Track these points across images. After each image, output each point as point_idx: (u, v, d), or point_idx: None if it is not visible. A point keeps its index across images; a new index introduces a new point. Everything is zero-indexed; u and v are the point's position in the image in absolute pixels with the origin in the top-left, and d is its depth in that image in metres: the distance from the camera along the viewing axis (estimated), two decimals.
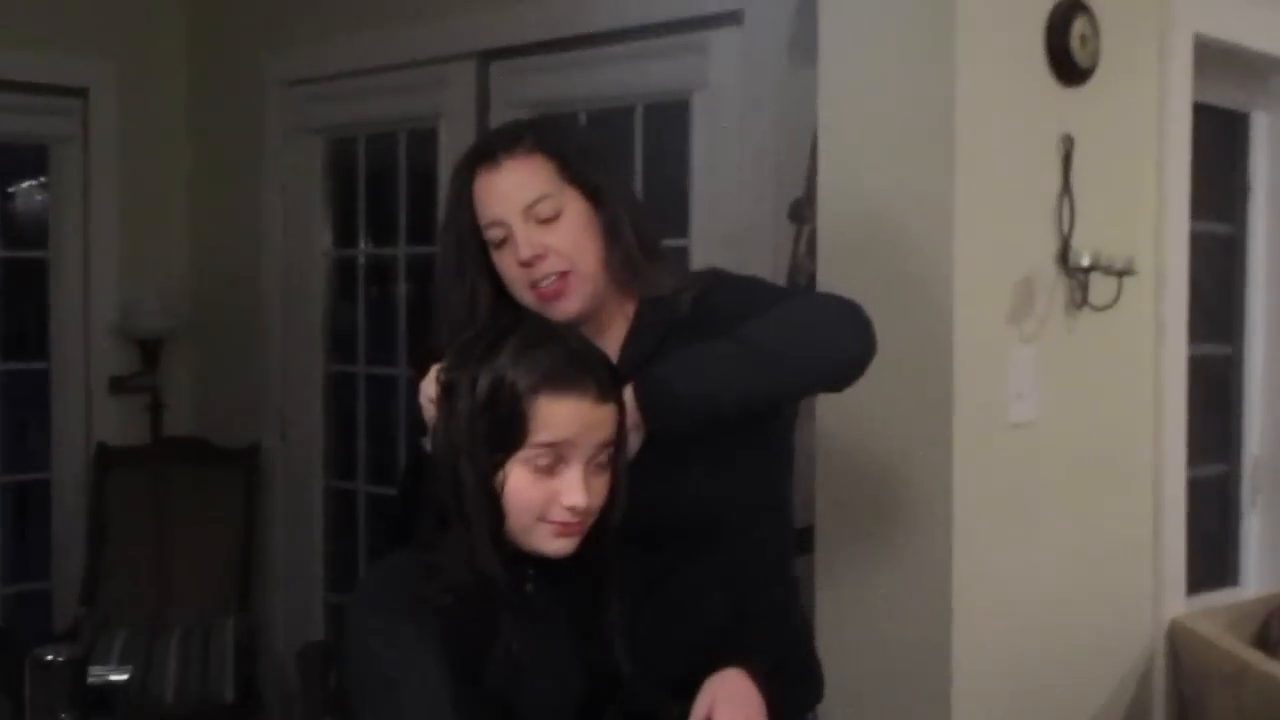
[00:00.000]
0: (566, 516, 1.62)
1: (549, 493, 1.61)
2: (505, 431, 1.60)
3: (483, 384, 1.61)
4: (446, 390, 1.64)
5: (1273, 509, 3.55)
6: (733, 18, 3.29)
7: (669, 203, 3.52)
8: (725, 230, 3.34)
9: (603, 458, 1.64)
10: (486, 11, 3.83)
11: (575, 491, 1.61)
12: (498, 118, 3.84)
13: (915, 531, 2.55)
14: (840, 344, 1.86)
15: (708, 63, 3.37)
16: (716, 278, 2.00)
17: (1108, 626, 2.89)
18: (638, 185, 3.61)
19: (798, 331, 1.82)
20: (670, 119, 3.52)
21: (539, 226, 1.83)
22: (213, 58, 4.68)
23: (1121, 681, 2.91)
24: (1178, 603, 3.01)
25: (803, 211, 2.93)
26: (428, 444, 1.71)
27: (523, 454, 1.60)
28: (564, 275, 1.84)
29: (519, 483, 1.61)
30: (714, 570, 1.86)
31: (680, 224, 3.47)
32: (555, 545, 1.63)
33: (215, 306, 4.69)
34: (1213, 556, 3.54)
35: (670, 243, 3.52)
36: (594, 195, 1.88)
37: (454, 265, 1.89)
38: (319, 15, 4.32)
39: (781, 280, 2.98)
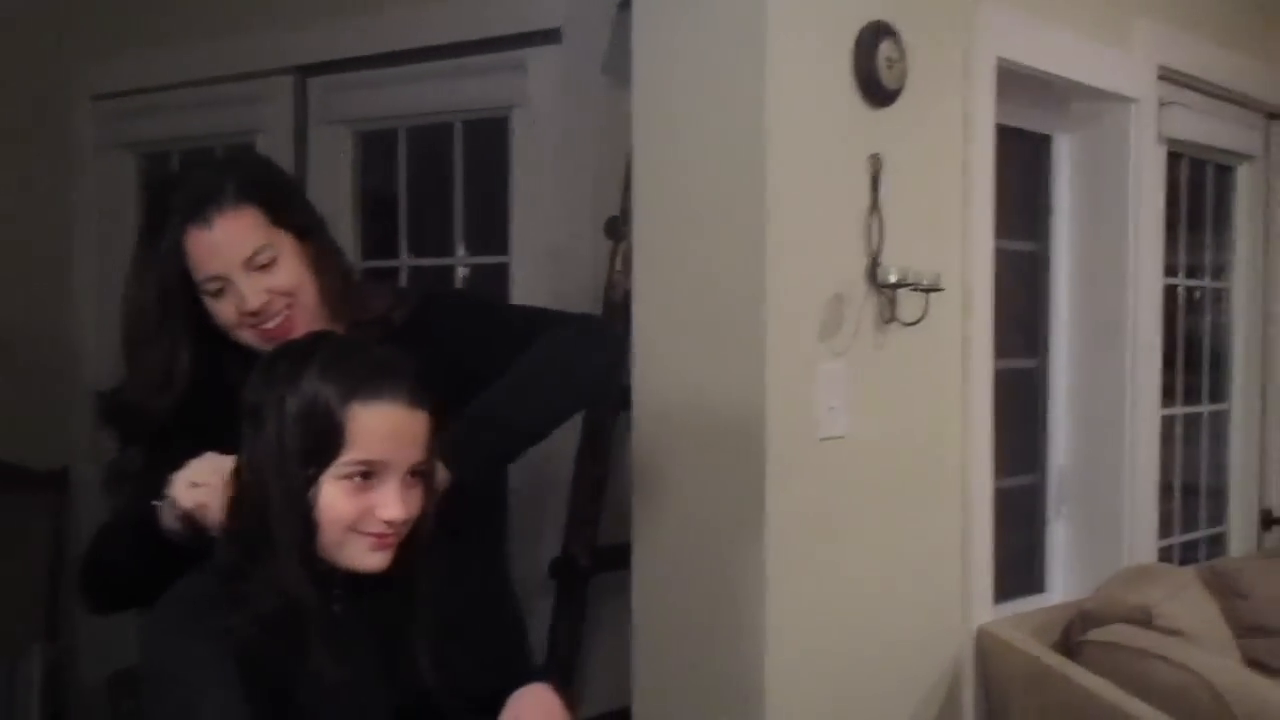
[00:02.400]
0: (383, 529, 1.60)
1: (364, 506, 1.60)
2: (319, 446, 1.58)
3: (293, 401, 1.59)
4: (252, 414, 1.62)
5: (1077, 518, 3.67)
6: (551, 36, 3.30)
7: (488, 220, 3.51)
8: (544, 246, 3.35)
9: (417, 469, 1.63)
10: (305, 26, 3.77)
11: (392, 504, 1.60)
12: (317, 134, 3.80)
13: (729, 546, 2.57)
14: (593, 364, 2.07)
15: (526, 80, 3.38)
16: (426, 298, 2.10)
17: (919, 634, 2.95)
18: (458, 202, 3.61)
19: (554, 368, 1.98)
20: (489, 136, 3.51)
21: (259, 274, 1.88)
22: (15, 69, 4.52)
23: (932, 688, 2.97)
24: (986, 610, 3.09)
25: (619, 229, 2.96)
26: (166, 508, 1.74)
27: (336, 468, 1.58)
28: (289, 313, 1.90)
29: (333, 497, 1.59)
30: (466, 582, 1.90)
31: (500, 241, 3.46)
32: (371, 560, 1.62)
33: (22, 326, 4.53)
34: (1021, 565, 3.65)
35: (490, 260, 3.53)
36: (302, 233, 1.94)
37: (154, 321, 1.91)
38: (130, 26, 4.21)
39: (599, 295, 3.00)
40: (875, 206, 2.74)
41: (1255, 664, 3.22)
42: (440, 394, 1.66)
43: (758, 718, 2.53)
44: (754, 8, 2.51)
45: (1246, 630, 3.27)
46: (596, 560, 3.04)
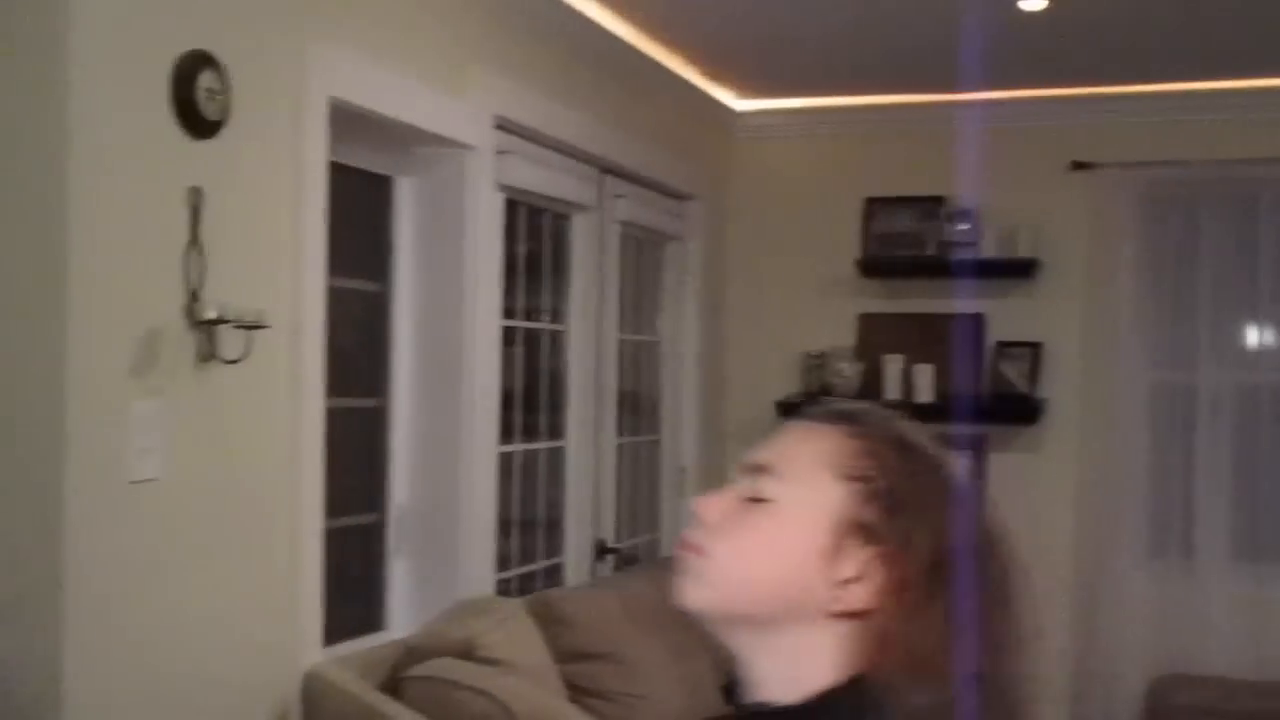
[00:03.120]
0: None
1: None
2: None
3: None
4: None
5: (417, 555, 3.73)
6: None
7: None
8: None
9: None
10: None
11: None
12: None
13: (25, 594, 2.39)
14: None
15: None
16: None
17: (246, 681, 2.88)
18: None
19: None
20: None
21: None
22: None
23: None
24: (315, 652, 3.06)
25: None
26: None
27: None
28: None
29: None
30: None
31: None
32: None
33: None
34: (361, 604, 3.66)
35: None
36: None
37: None
38: None
39: None
40: (195, 240, 2.66)
41: (576, 688, 3.39)
42: None
43: None
44: (56, 29, 2.37)
45: (569, 656, 3.44)
46: None
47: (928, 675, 1.16)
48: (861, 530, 1.18)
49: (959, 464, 1.27)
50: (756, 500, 1.21)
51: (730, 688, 1.24)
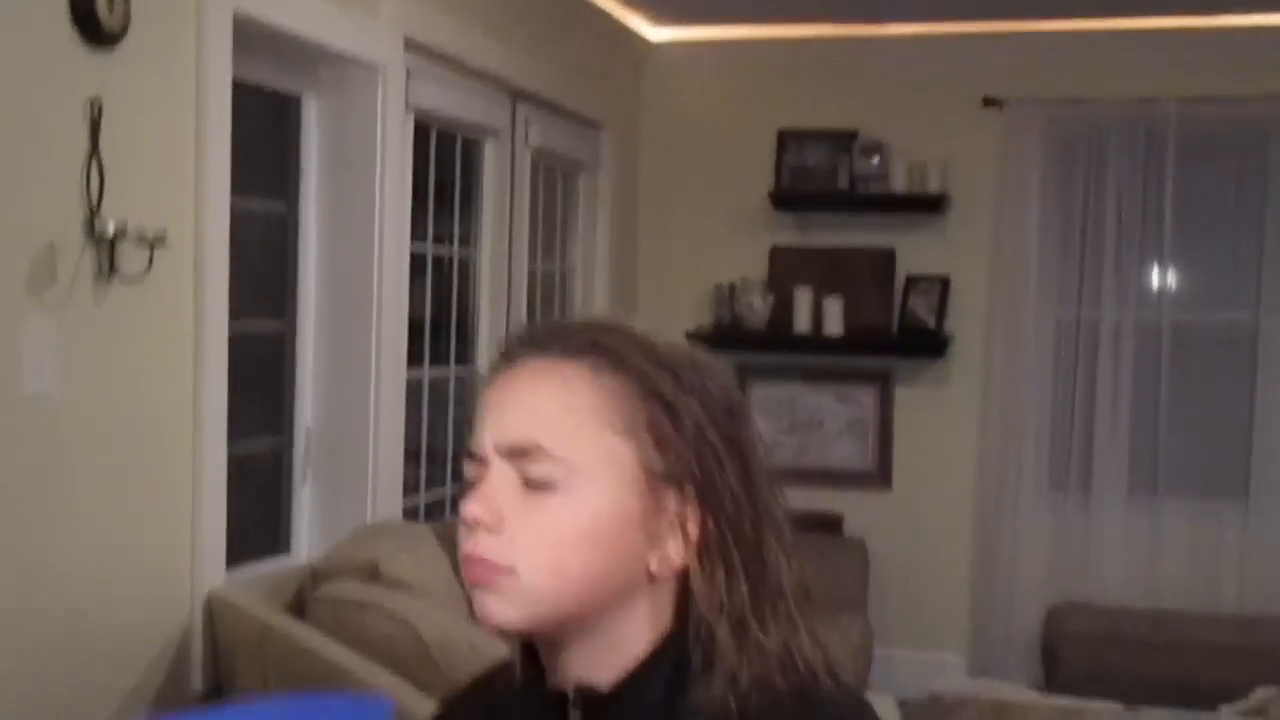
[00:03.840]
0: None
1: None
2: None
3: None
4: None
5: (323, 480, 3.70)
6: None
7: None
8: None
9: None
10: None
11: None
12: None
13: None
14: None
15: None
16: None
17: (144, 602, 2.85)
18: None
19: None
20: None
21: None
22: None
23: (158, 655, 2.88)
24: (218, 575, 3.03)
25: None
26: None
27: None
28: None
29: None
30: None
31: None
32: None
33: None
34: (266, 528, 3.63)
35: None
36: None
37: None
38: None
39: None
40: (95, 153, 2.60)
41: None
42: None
43: None
44: None
45: None
46: None
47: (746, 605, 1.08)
48: (667, 479, 1.07)
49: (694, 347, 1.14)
50: (541, 486, 1.06)
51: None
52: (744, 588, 1.08)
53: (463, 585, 1.11)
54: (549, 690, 1.12)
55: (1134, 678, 4.51)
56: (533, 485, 1.06)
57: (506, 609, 1.06)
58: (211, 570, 3.01)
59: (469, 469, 1.10)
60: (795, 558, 1.12)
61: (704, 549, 1.08)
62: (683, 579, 1.09)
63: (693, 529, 1.08)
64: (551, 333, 1.12)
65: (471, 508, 1.07)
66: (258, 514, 3.60)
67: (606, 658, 1.10)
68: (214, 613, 2.93)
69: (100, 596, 2.71)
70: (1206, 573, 5.20)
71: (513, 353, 1.11)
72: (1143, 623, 5.00)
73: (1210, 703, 3.09)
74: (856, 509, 5.44)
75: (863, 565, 5.21)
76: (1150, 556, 5.24)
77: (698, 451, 1.08)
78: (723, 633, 1.07)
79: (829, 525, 5.35)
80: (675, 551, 1.08)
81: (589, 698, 1.10)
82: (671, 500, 1.07)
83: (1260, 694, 2.59)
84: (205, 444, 2.98)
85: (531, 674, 1.14)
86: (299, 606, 3.06)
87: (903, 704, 3.69)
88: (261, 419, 3.60)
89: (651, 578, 1.09)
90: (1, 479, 2.43)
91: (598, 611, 1.08)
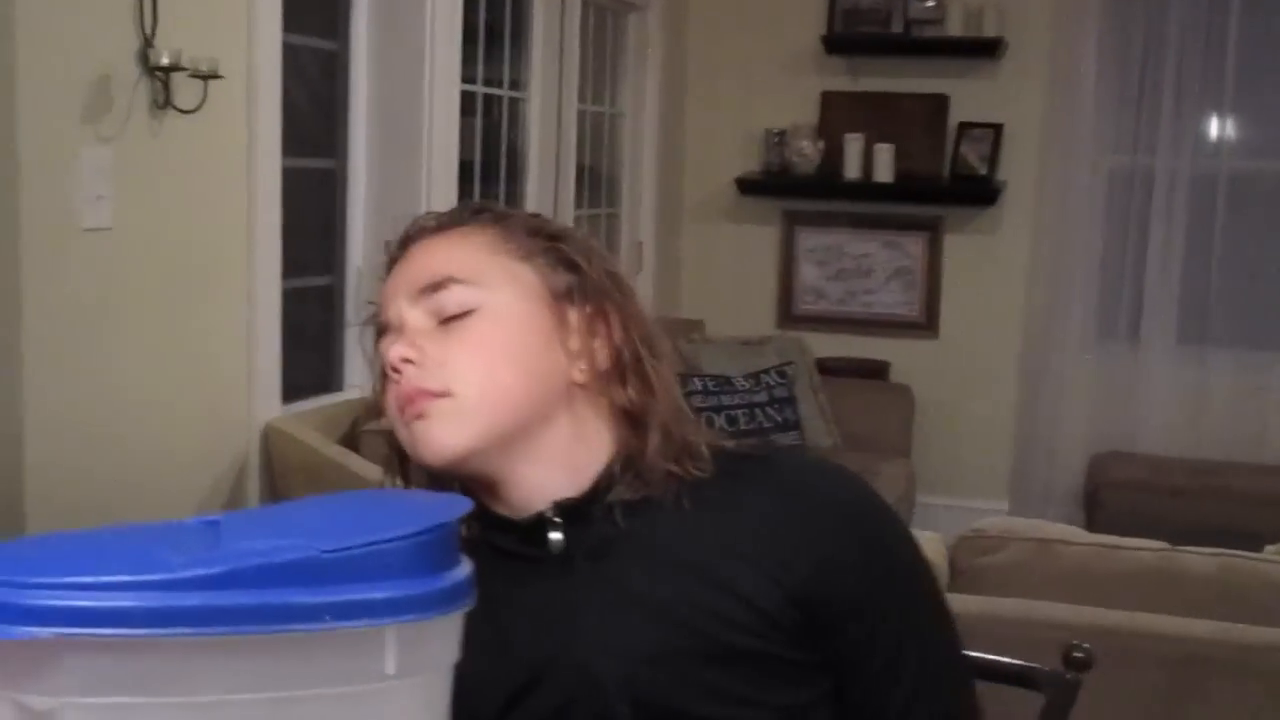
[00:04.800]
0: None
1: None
2: None
3: None
4: None
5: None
6: None
7: None
8: None
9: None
10: None
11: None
12: None
13: None
14: None
15: None
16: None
17: (202, 430, 2.92)
18: None
19: None
20: None
21: None
22: None
23: (216, 482, 2.96)
24: (274, 407, 3.09)
25: None
26: None
27: None
28: None
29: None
30: None
31: None
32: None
33: None
34: (320, 365, 3.68)
35: None
36: None
37: None
38: None
39: None
40: None
41: None
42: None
43: (17, 515, 2.41)
44: None
45: None
46: None
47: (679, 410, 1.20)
48: (568, 294, 1.17)
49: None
50: (457, 317, 1.14)
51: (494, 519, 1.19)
52: (659, 392, 1.19)
53: (401, 439, 1.16)
54: (508, 519, 1.17)
55: (1177, 525, 4.54)
56: (451, 317, 1.14)
57: (451, 430, 1.12)
58: (268, 402, 3.07)
59: (383, 344, 1.17)
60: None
61: (616, 360, 1.18)
62: (605, 395, 1.19)
63: (600, 345, 1.18)
64: (438, 216, 1.22)
65: (395, 349, 1.13)
66: (312, 351, 3.65)
67: (558, 476, 1.17)
68: (270, 443, 3.00)
69: (162, 426, 2.77)
70: (1252, 424, 5.20)
71: (408, 240, 1.21)
72: (1186, 471, 5.01)
73: (1254, 547, 3.11)
74: (903, 356, 5.45)
75: (908, 412, 5.23)
76: (1196, 406, 5.24)
77: (587, 277, 1.19)
78: (655, 437, 1.17)
79: (875, 371, 5.37)
80: (590, 361, 1.18)
81: (564, 507, 1.15)
82: (575, 317, 1.17)
83: None
84: (259, 278, 3.02)
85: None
86: (352, 439, 3.12)
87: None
88: (315, 256, 3.63)
89: (578, 389, 1.17)
90: (63, 313, 2.47)
91: (535, 424, 1.15)
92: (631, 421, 1.18)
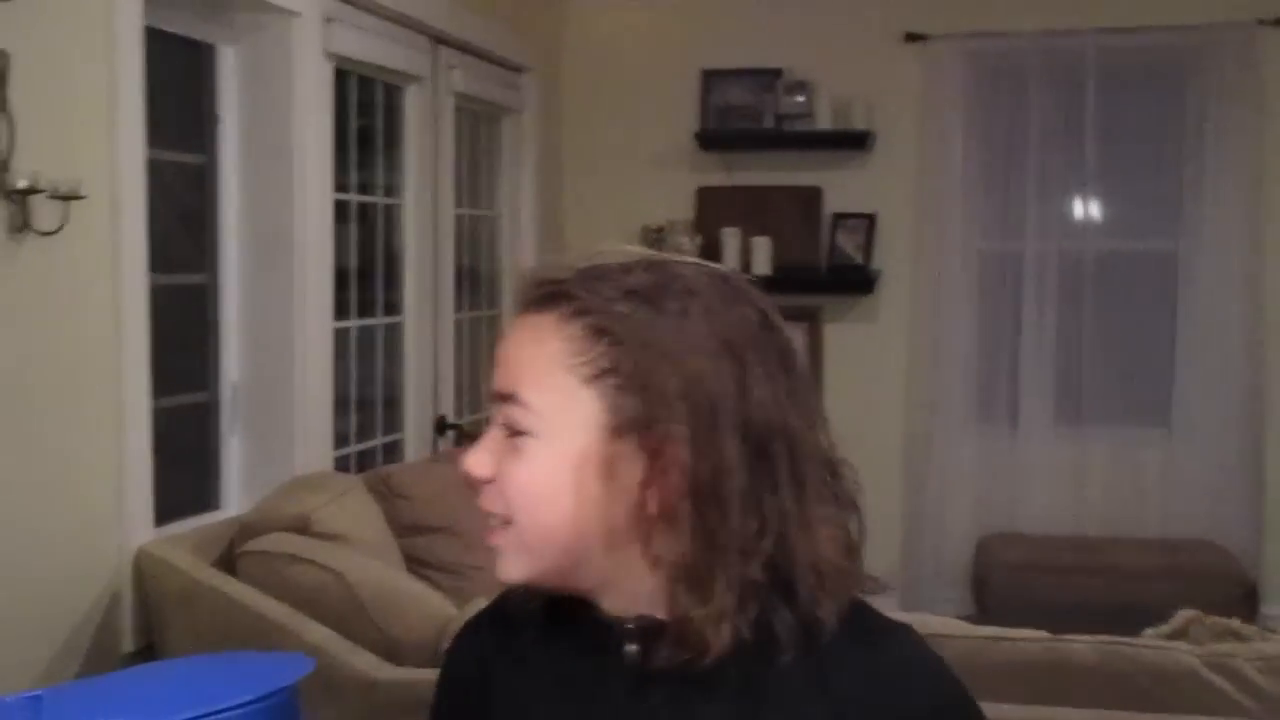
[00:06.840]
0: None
1: None
2: None
3: None
4: None
5: (251, 434, 3.67)
6: None
7: None
8: None
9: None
10: None
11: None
12: None
13: None
14: None
15: None
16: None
17: (71, 561, 2.82)
18: None
19: None
20: None
21: None
22: None
23: (87, 613, 2.86)
24: (146, 531, 3.01)
25: None
26: None
27: None
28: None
29: None
30: None
31: None
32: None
33: None
34: (195, 484, 3.60)
35: None
36: None
37: None
38: None
39: None
40: (4, 106, 2.55)
41: (414, 560, 3.39)
42: None
43: None
44: None
45: (407, 530, 3.43)
46: None
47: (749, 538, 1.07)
48: (632, 425, 1.06)
49: (707, 268, 1.14)
50: (521, 433, 1.09)
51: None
52: (724, 545, 1.06)
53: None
54: (595, 622, 1.13)
55: (1064, 604, 4.60)
56: (515, 433, 1.10)
57: (511, 561, 1.11)
58: (140, 527, 2.99)
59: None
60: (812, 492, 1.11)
61: (691, 491, 1.06)
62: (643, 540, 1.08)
63: (674, 472, 1.06)
64: (536, 284, 1.13)
65: (469, 460, 1.12)
66: (186, 470, 3.57)
67: (629, 604, 1.11)
68: (143, 569, 2.91)
69: (25, 556, 2.68)
70: (1130, 500, 5.30)
71: (516, 307, 1.14)
72: (1070, 550, 5.09)
73: (1136, 625, 3.15)
74: None
75: None
76: (1076, 485, 5.33)
77: (656, 403, 1.06)
78: (722, 600, 1.05)
79: None
80: (655, 496, 1.06)
81: (646, 628, 1.10)
82: (647, 442, 1.06)
83: (1182, 616, 2.65)
84: (128, 399, 2.95)
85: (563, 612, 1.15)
86: (229, 561, 3.04)
87: None
88: (187, 374, 3.57)
89: (648, 520, 1.07)
90: None
91: (600, 555, 1.09)
92: (686, 578, 1.07)
